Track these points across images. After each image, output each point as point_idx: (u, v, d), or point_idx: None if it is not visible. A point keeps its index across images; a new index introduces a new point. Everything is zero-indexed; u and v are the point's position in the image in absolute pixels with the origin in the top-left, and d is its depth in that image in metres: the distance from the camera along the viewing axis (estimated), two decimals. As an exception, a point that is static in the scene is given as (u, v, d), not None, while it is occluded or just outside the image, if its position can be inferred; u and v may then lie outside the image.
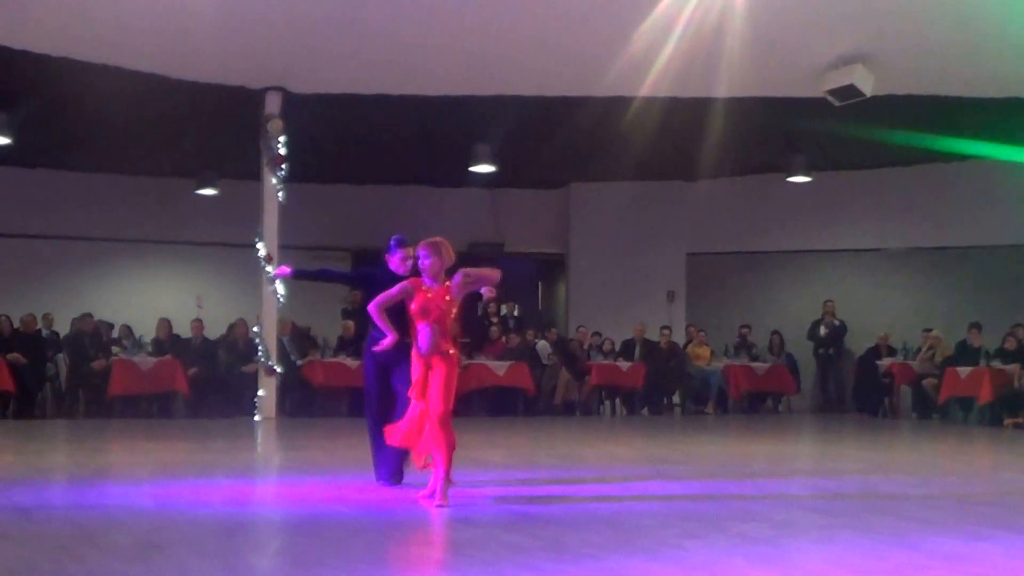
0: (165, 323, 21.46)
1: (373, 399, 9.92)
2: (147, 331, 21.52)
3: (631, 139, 21.26)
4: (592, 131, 21.16)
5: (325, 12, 16.82)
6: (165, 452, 14.16)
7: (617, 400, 23.63)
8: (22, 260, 23.90)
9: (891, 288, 25.34)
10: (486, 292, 9.09)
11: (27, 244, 24.07)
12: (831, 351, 24.51)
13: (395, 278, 9.51)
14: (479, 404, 22.11)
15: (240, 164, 21.47)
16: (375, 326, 9.24)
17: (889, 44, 18.04)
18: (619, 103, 19.62)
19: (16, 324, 20.61)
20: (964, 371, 20.98)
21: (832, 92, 18.73)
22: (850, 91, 18.54)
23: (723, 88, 18.76)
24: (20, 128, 19.85)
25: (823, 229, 25.63)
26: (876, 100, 18.90)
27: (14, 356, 19.65)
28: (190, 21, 16.72)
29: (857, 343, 24.35)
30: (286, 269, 10.57)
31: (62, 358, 20.92)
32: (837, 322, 24.40)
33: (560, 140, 21.87)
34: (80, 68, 17.70)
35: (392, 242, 9.92)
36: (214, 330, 21.89)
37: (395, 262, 9.83)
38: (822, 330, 24.40)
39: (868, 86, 18.44)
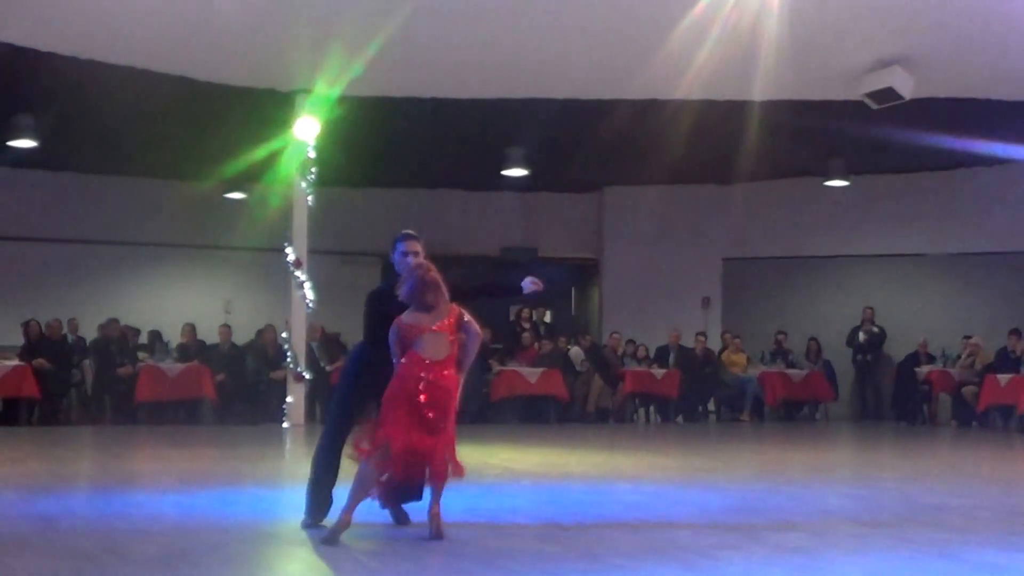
0: (190, 328, 21.33)
1: None
2: (174, 336, 21.46)
3: (666, 142, 21.12)
4: (626, 134, 21.02)
5: (354, 14, 16.64)
6: (192, 460, 14.11)
7: (651, 408, 23.53)
8: (48, 264, 23.85)
9: (930, 294, 25.09)
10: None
11: (53, 248, 24.04)
12: (869, 358, 24.20)
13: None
14: (511, 412, 21.97)
15: (269, 167, 21.20)
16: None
17: (929, 46, 17.80)
18: (653, 106, 19.46)
19: (43, 329, 20.49)
20: (1004, 379, 20.77)
21: (870, 95, 18.58)
22: (889, 94, 18.38)
23: (759, 91, 18.56)
24: (46, 131, 19.79)
25: (861, 234, 25.39)
26: (915, 103, 18.68)
27: (39, 362, 19.59)
28: (218, 23, 16.66)
29: (896, 350, 24.11)
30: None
31: (88, 364, 20.84)
32: (876, 329, 24.10)
33: (594, 143, 21.78)
34: (107, 71, 17.61)
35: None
36: (242, 335, 21.87)
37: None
38: (861, 336, 24.14)
39: (907, 89, 18.21)
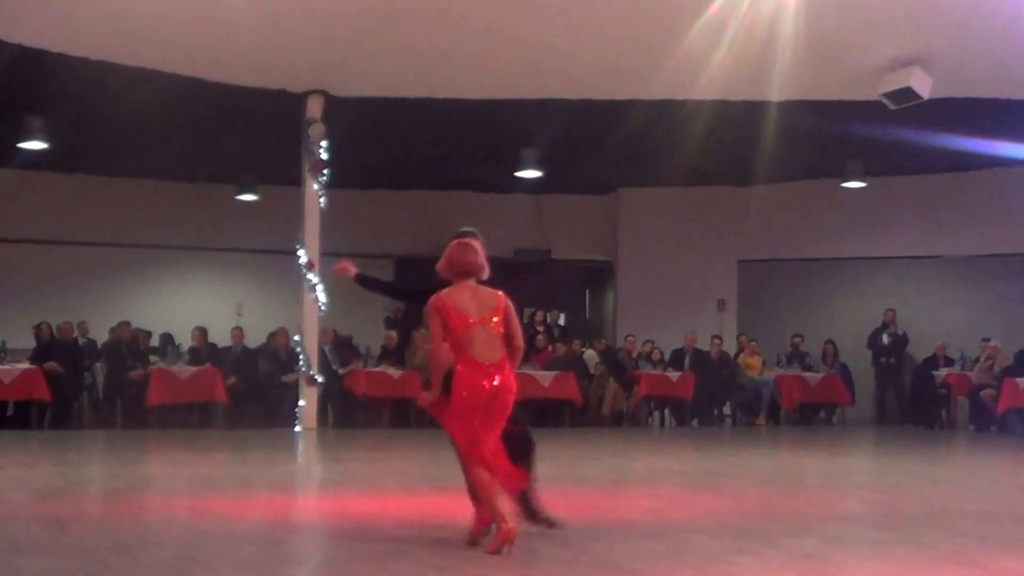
0: (201, 332, 21.21)
1: None
2: (186, 340, 21.33)
3: (681, 144, 21.06)
4: (641, 135, 20.90)
5: (367, 14, 16.57)
6: (204, 464, 14.22)
7: (666, 411, 23.39)
8: (59, 267, 23.74)
9: (948, 296, 24.91)
10: None
11: (63, 251, 23.96)
12: (893, 360, 23.95)
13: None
14: (524, 415, 21.77)
15: (281, 169, 21.30)
16: None
17: (947, 46, 17.67)
18: (669, 107, 19.38)
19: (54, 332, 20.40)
20: (1023, 382, 20.51)
21: (888, 95, 18.47)
22: (907, 94, 18.27)
23: (776, 91, 18.47)
24: (56, 133, 19.66)
25: (878, 236, 25.18)
26: (934, 103, 18.52)
27: (51, 365, 19.48)
28: (229, 23, 16.58)
29: (913, 353, 23.85)
30: (350, 269, 8.71)
31: (99, 367, 20.74)
32: (900, 332, 23.85)
33: (608, 145, 21.61)
34: (118, 72, 17.54)
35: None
36: (254, 338, 21.76)
37: None
38: (885, 339, 23.87)
39: (926, 89, 18.08)
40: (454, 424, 7.45)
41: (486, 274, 7.68)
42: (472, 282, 7.60)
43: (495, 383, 7.32)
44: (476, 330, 7.38)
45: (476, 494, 7.52)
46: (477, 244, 7.80)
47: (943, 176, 24.54)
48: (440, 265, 7.65)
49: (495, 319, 7.46)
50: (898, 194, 24.88)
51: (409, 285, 9.71)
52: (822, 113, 19.86)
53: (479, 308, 7.45)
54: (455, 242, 7.71)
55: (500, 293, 7.60)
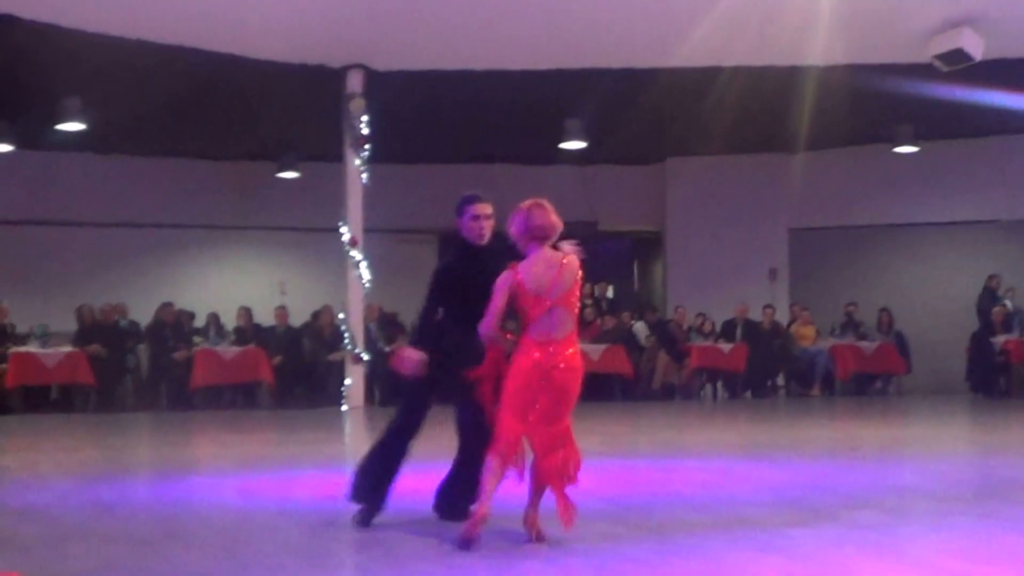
0: (245, 311, 21.14)
1: None
2: (229, 320, 21.26)
3: (728, 111, 20.86)
4: (687, 104, 20.83)
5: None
6: (250, 444, 14.28)
7: (719, 383, 23.27)
8: (99, 249, 23.70)
9: (1005, 261, 24.41)
10: None
11: (104, 233, 23.89)
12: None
13: (471, 268, 7.41)
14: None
15: (321, 146, 21.24)
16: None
17: (999, 5, 17.59)
18: (713, 73, 19.28)
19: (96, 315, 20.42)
20: (1084, 346, 20.25)
21: (939, 57, 18.33)
22: (958, 55, 18.11)
23: (823, 55, 18.33)
24: (94, 114, 19.62)
25: (932, 201, 24.94)
26: (986, 64, 18.31)
27: (93, 348, 19.44)
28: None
29: (970, 319, 23.36)
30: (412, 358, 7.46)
31: (143, 349, 20.67)
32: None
33: (653, 113, 21.48)
34: (154, 50, 17.52)
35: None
36: (298, 317, 21.74)
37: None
38: (1009, 304, 22.99)
39: (978, 50, 17.80)
40: (506, 408, 6.82)
41: (558, 232, 7.00)
42: (547, 249, 6.92)
43: (556, 362, 6.77)
44: (554, 312, 6.80)
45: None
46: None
47: (996, 139, 24.23)
48: (515, 232, 6.95)
49: (573, 298, 6.88)
50: (951, 158, 24.55)
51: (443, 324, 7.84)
52: (872, 77, 19.60)
53: (558, 285, 6.80)
54: (529, 203, 6.97)
55: (576, 262, 6.93)
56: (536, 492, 6.89)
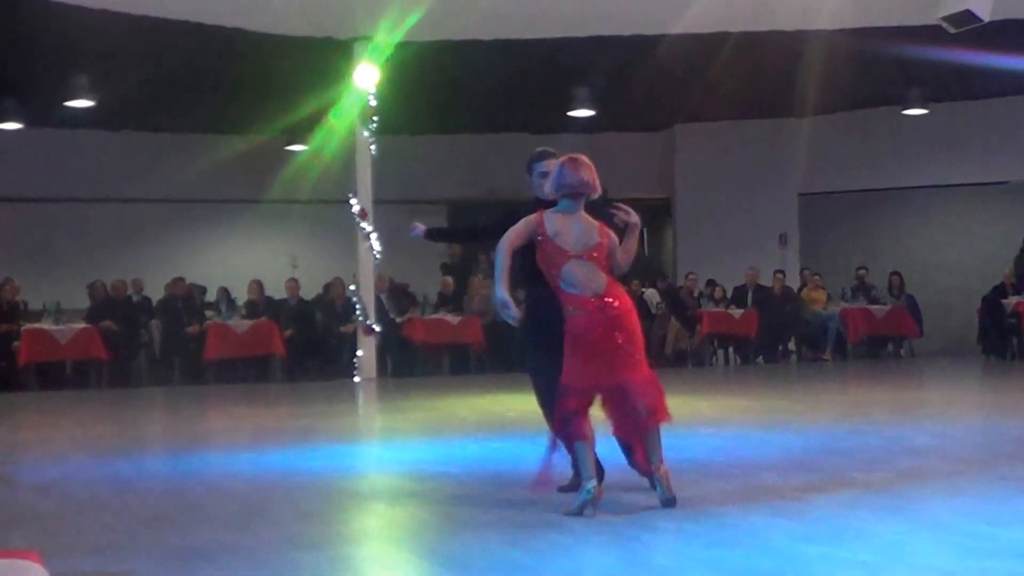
0: (257, 284, 21.12)
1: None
2: (241, 293, 21.27)
3: (736, 76, 20.89)
4: (695, 70, 20.81)
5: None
6: (264, 417, 14.21)
7: (730, 349, 23.29)
8: (110, 225, 23.80)
9: (1016, 223, 24.34)
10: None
11: (114, 208, 23.99)
12: None
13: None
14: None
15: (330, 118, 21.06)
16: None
17: None
18: (721, 38, 19.20)
19: (108, 290, 20.44)
20: (1095, 307, 20.24)
21: (947, 18, 17.96)
22: (966, 17, 17.76)
23: (830, 19, 18.22)
24: (102, 90, 19.68)
25: (942, 163, 24.84)
26: (995, 25, 17.98)
27: (106, 323, 19.47)
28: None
29: (980, 282, 23.34)
30: (419, 227, 7.99)
31: (155, 324, 20.69)
32: None
33: (661, 80, 21.46)
34: (161, 26, 17.49)
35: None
36: (309, 290, 21.70)
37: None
38: None
39: (986, 11, 17.60)
40: (568, 371, 6.67)
41: (598, 194, 6.90)
42: (580, 208, 6.83)
43: (609, 312, 6.63)
44: (573, 264, 6.68)
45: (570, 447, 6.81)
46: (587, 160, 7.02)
47: (1007, 100, 24.13)
48: (548, 187, 6.92)
49: (595, 254, 6.72)
50: (961, 120, 24.48)
51: (476, 224, 8.72)
52: (879, 40, 19.52)
53: (579, 242, 6.73)
54: (565, 158, 6.89)
55: (607, 229, 6.85)
56: (652, 441, 6.81)
